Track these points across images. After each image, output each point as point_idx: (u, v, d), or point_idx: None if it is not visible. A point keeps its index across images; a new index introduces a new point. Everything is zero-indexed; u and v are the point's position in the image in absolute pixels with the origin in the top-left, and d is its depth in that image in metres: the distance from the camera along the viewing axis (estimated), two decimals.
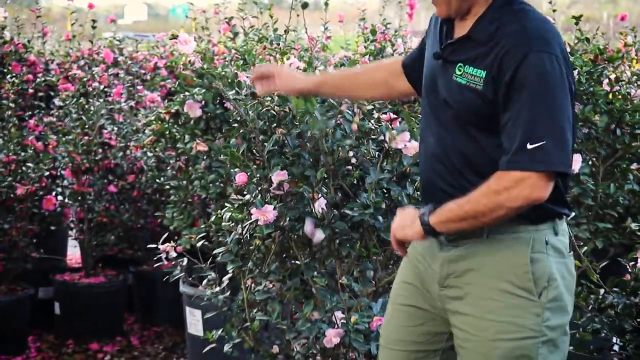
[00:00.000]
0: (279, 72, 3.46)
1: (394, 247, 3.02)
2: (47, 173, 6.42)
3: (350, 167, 3.75)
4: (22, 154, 6.43)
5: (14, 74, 7.07)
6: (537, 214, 2.77)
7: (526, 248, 2.80)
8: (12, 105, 6.67)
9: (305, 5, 4.25)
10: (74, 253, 8.12)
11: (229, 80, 3.95)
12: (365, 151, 3.72)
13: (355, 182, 3.75)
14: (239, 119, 3.88)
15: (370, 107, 3.84)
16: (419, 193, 3.56)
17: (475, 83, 2.77)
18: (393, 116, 3.84)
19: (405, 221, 2.93)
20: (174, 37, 3.89)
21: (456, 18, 2.92)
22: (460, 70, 2.83)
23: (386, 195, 3.70)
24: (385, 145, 3.66)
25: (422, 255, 3.04)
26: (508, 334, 2.81)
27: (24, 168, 6.37)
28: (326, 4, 5.89)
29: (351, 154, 3.73)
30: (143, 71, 7.86)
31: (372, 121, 3.77)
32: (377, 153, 3.73)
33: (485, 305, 2.84)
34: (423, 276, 3.06)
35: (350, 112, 3.69)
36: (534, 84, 2.65)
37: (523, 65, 2.66)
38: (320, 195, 3.64)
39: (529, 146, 2.63)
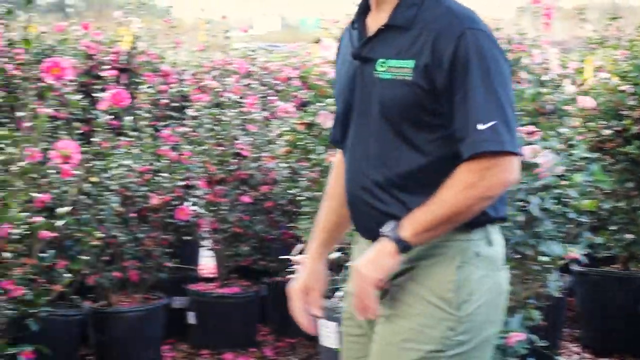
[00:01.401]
0: (307, 289, 3.08)
1: (362, 307, 2.70)
2: (181, 183, 6.56)
3: None
4: (157, 163, 6.60)
5: (148, 84, 7.26)
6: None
7: (453, 258, 2.66)
8: (146, 115, 6.81)
9: None
10: (206, 263, 8.28)
11: None
12: None
13: None
14: None
15: None
16: (556, 206, 3.59)
17: (404, 75, 2.63)
18: (532, 129, 3.86)
19: (369, 262, 2.64)
20: (317, 41, 3.96)
21: (370, 12, 2.81)
22: (382, 67, 2.69)
23: (523, 208, 3.72)
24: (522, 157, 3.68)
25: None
26: (414, 343, 2.66)
27: (158, 178, 6.54)
28: None
29: None
30: (276, 82, 7.98)
31: None
32: None
33: (401, 309, 2.71)
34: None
35: None
36: (475, 62, 2.55)
37: (461, 45, 2.56)
38: None
39: (479, 127, 2.52)
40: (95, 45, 7.84)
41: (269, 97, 7.45)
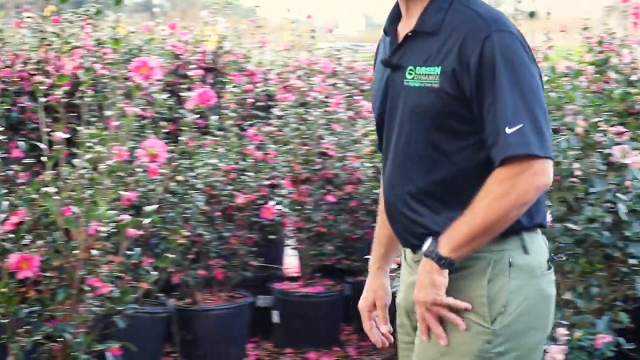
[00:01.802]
0: (372, 305, 3.25)
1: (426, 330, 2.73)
2: (266, 182, 6.61)
3: (574, 180, 3.75)
4: (242, 163, 6.65)
5: (234, 84, 7.32)
6: None
7: (484, 271, 2.64)
8: (232, 114, 6.87)
9: (532, 15, 4.28)
10: (290, 262, 8.33)
11: None
12: (590, 164, 3.72)
13: (579, 195, 3.75)
14: None
15: (596, 119, 3.83)
16: None
17: (431, 82, 2.62)
18: (621, 129, 3.82)
19: (422, 287, 2.68)
20: None
21: (401, 19, 2.80)
22: (411, 74, 2.69)
23: (611, 209, 3.69)
24: (611, 158, 3.64)
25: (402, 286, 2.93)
26: (452, 357, 2.67)
27: (243, 177, 6.59)
28: (548, 13, 5.89)
29: (575, 165, 3.73)
30: (361, 81, 7.98)
31: (598, 134, 3.77)
32: (602, 166, 3.72)
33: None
34: (403, 307, 2.98)
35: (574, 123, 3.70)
36: (502, 64, 2.52)
37: (487, 48, 2.53)
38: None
39: (507, 130, 2.49)
40: (182, 45, 7.93)
41: (354, 97, 7.46)
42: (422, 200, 2.71)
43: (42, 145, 3.71)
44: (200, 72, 6.87)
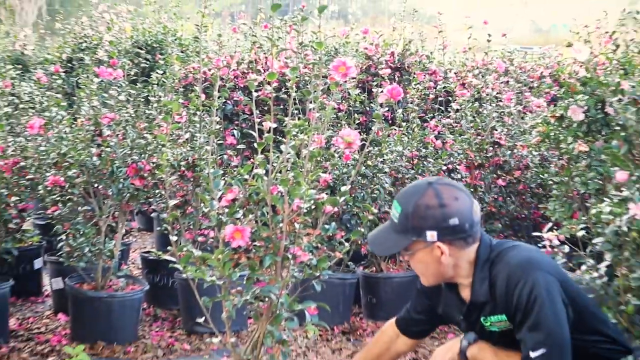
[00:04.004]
0: None
1: None
2: (444, 167, 6.57)
3: None
4: (424, 150, 6.64)
5: (418, 82, 7.31)
6: None
7: None
8: (415, 108, 6.87)
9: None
10: None
11: (612, 88, 3.89)
12: None
13: None
14: (620, 123, 3.82)
15: None
16: None
17: (506, 326, 2.92)
18: None
19: (445, 348, 3.08)
20: (569, 45, 3.89)
21: (450, 284, 3.10)
22: (487, 322, 2.98)
23: None
24: None
25: None
26: None
27: (424, 163, 6.58)
28: None
29: None
30: (530, 79, 7.87)
31: None
32: None
33: None
34: None
35: None
36: (528, 305, 2.79)
37: (516, 292, 2.82)
38: None
39: (532, 354, 2.76)
40: (373, 48, 7.96)
41: (524, 93, 7.35)
42: None
43: (253, 133, 3.77)
44: (389, 71, 6.87)
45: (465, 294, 3.04)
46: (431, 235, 2.92)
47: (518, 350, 2.90)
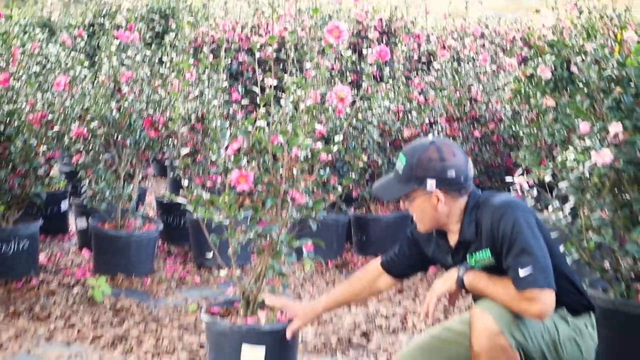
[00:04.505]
0: (289, 310, 3.55)
1: (429, 304, 3.05)
2: (426, 120, 6.56)
3: None
4: (408, 105, 6.61)
5: (403, 44, 7.27)
6: None
7: None
8: (401, 67, 6.84)
9: None
10: None
11: (576, 50, 3.86)
12: None
13: None
14: (583, 80, 3.80)
15: None
16: None
17: (489, 262, 2.96)
18: None
19: (440, 280, 3.05)
20: (538, 11, 3.85)
21: (440, 231, 3.12)
22: (472, 260, 3.01)
23: None
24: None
25: None
26: None
27: (409, 116, 6.56)
28: None
29: None
30: (504, 42, 7.83)
31: None
32: None
33: None
34: None
35: None
36: (513, 233, 2.86)
37: (501, 224, 2.88)
38: None
39: (521, 274, 2.81)
40: (363, 14, 7.90)
41: (497, 54, 7.31)
42: None
43: (256, 90, 3.75)
44: (377, 34, 6.83)
45: (453, 240, 3.08)
46: (431, 184, 2.99)
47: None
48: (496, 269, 2.95)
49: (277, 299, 3.59)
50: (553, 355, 2.93)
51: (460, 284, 2.99)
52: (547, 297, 2.81)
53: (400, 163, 3.05)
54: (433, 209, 3.02)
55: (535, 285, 2.80)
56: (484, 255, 2.96)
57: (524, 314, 2.85)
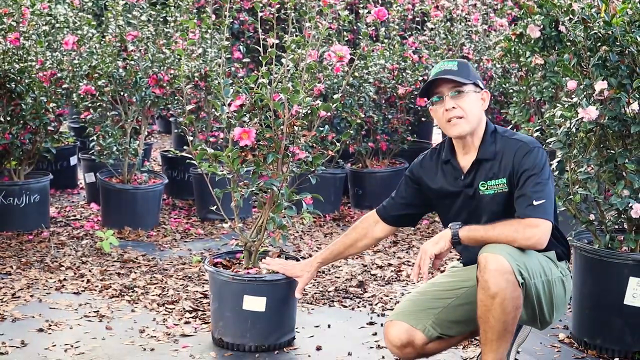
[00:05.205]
0: (289, 271, 3.57)
1: (421, 264, 3.01)
2: (420, 78, 6.55)
3: None
4: (403, 63, 6.60)
5: (398, 4, 7.23)
6: None
7: None
8: (396, 27, 6.83)
9: None
10: (436, 139, 8.28)
11: (564, 9, 3.86)
12: None
13: None
14: (571, 39, 3.80)
15: None
16: None
17: (502, 189, 3.03)
18: None
19: (432, 241, 3.02)
20: None
21: (457, 155, 3.13)
22: (484, 186, 3.06)
23: None
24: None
25: None
26: None
27: (404, 74, 6.56)
28: None
29: None
30: (495, 2, 7.78)
31: None
32: None
33: None
34: None
35: None
36: (536, 168, 2.97)
37: (528, 158, 2.97)
38: (634, 100, 3.53)
39: (535, 203, 2.91)
40: None
41: (489, 14, 7.28)
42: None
43: (258, 48, 3.76)
44: None
45: (467, 161, 3.11)
46: (481, 83, 3.13)
47: (498, 220, 2.98)
48: (501, 199, 3.04)
49: (276, 262, 3.62)
50: (546, 294, 2.98)
51: (456, 239, 2.97)
52: (547, 227, 2.92)
53: (451, 64, 3.10)
54: (479, 108, 3.09)
55: (544, 215, 2.91)
56: (499, 182, 3.03)
57: (528, 241, 2.91)
